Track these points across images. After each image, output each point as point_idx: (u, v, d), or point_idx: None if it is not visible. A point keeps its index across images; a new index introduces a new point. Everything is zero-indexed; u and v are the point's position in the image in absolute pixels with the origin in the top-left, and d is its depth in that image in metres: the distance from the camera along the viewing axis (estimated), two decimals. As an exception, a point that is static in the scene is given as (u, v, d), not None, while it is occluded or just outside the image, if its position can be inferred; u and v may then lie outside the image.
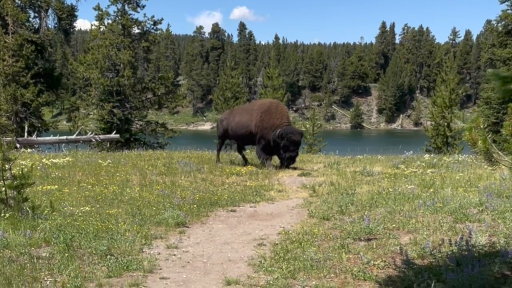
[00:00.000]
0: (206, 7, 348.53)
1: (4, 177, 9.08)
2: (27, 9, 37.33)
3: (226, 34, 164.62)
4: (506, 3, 32.98)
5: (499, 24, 33.60)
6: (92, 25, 37.80)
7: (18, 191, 9.01)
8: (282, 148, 15.49)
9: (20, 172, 9.08)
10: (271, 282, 5.92)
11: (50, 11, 38.81)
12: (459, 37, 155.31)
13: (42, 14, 37.98)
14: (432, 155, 19.85)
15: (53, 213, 9.05)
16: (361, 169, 14.51)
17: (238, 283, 6.02)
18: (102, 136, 30.33)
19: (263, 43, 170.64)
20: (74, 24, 41.94)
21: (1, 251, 7.13)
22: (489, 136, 4.01)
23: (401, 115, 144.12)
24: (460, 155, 20.78)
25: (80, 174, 14.23)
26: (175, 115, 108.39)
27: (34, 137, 27.15)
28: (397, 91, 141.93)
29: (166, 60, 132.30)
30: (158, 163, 16.39)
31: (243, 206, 10.55)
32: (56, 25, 39.93)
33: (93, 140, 29.40)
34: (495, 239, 7.05)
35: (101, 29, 36.94)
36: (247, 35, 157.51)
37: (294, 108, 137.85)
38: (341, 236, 7.71)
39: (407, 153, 19.05)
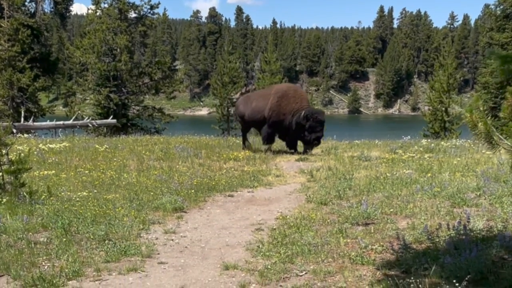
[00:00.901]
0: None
1: (1, 162, 9.07)
2: (23, -7, 37.06)
3: (224, 19, 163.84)
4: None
5: (498, 8, 33.54)
6: (88, 9, 37.58)
7: (15, 176, 9.00)
8: (307, 130, 15.20)
9: (17, 157, 9.07)
10: (269, 266, 5.92)
11: (46, -5, 38.57)
12: (457, 22, 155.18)
13: (38, -2, 37.76)
14: (429, 140, 19.86)
15: (51, 198, 9.05)
16: (359, 154, 14.52)
17: (236, 268, 6.02)
18: (99, 121, 30.30)
19: (260, 27, 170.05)
20: (70, 8, 41.80)
21: (-1, 236, 7.13)
22: (489, 119, 3.98)
23: (398, 100, 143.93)
24: (457, 140, 20.81)
25: (77, 159, 14.21)
26: (172, 100, 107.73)
27: (30, 122, 27.08)
28: (395, 76, 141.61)
29: (163, 45, 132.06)
30: (156, 148, 16.37)
31: (241, 191, 10.54)
32: (52, 9, 39.76)
33: (90, 125, 29.36)
34: (492, 223, 7.07)
35: (98, 13, 36.75)
36: (244, 20, 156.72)
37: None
38: (339, 221, 7.72)
39: (404, 138, 19.07)
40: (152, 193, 9.67)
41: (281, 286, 5.47)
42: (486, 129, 3.85)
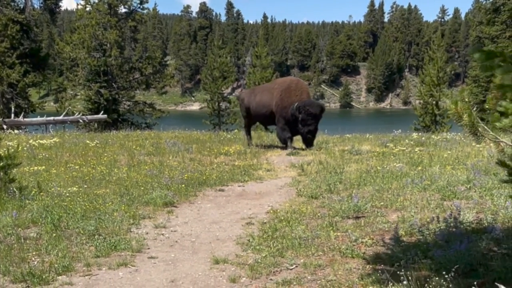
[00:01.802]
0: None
1: (-10, 158, 8.99)
2: (12, -11, 36.79)
3: (214, 13, 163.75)
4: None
5: (487, 2, 33.66)
6: (78, 4, 37.42)
7: (4, 172, 8.94)
8: (300, 123, 14.92)
9: (7, 153, 9.00)
10: (259, 260, 5.92)
11: (35, -10, 38.30)
12: (448, 15, 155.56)
13: (27, -7, 37.49)
14: (420, 134, 19.92)
15: (41, 194, 9.00)
16: (350, 148, 14.53)
17: (227, 262, 6.02)
18: (89, 117, 30.16)
19: (251, 22, 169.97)
20: (60, 3, 41.43)
21: (-12, 232, 7.08)
22: (475, 110, 3.99)
23: (390, 94, 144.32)
24: (448, 133, 20.89)
25: (68, 154, 14.14)
26: (163, 95, 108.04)
27: (20, 118, 26.90)
28: (386, 70, 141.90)
29: (153, 40, 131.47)
30: (146, 143, 16.32)
31: (232, 186, 10.53)
32: (41, 5, 39.42)
33: (81, 120, 29.22)
34: (482, 216, 7.09)
35: (87, 9, 36.53)
36: (235, 14, 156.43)
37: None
38: (329, 214, 7.73)
39: (395, 131, 19.11)
40: (142, 188, 9.64)
41: (271, 279, 5.47)
42: (471, 121, 3.85)
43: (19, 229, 7.23)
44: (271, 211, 8.17)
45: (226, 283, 5.45)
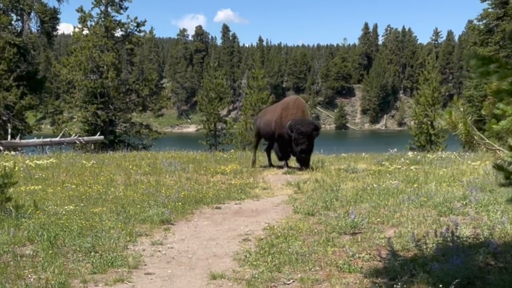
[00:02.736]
0: (190, 10, 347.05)
1: (-13, 177, 8.99)
2: (9, 12, 37.05)
3: (210, 37, 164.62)
4: (487, 1, 33.39)
5: (481, 23, 34.00)
6: (75, 27, 37.56)
7: (1, 191, 8.92)
8: (293, 141, 14.60)
9: (3, 172, 9.00)
10: (256, 275, 5.91)
11: (32, 14, 38.53)
12: (442, 38, 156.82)
13: (24, 17, 37.75)
14: (415, 153, 19.97)
15: (37, 212, 8.98)
16: (346, 167, 14.57)
17: (224, 277, 6.00)
18: (86, 138, 30.19)
19: (247, 45, 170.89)
20: (57, 27, 41.63)
21: (-16, 250, 7.05)
22: (470, 119, 4.04)
23: (385, 116, 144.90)
24: (443, 152, 20.95)
25: (64, 174, 14.14)
26: (160, 118, 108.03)
27: (17, 140, 26.92)
28: (381, 91, 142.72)
29: (150, 63, 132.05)
30: (143, 163, 16.33)
31: (228, 204, 10.54)
32: (38, 28, 39.62)
33: (77, 142, 29.24)
34: (479, 231, 7.11)
35: (84, 32, 36.76)
36: (230, 38, 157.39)
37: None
38: (326, 230, 7.73)
39: (391, 151, 19.17)
40: (139, 206, 9.63)
41: (268, 294, 5.46)
42: (466, 129, 3.89)
43: (16, 246, 7.20)
44: (268, 228, 8.17)
45: (224, 298, 5.44)
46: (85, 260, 6.67)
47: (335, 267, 6.13)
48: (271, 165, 16.55)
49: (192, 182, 12.93)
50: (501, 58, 2.79)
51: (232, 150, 19.40)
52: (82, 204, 9.98)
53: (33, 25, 38.84)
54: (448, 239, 6.41)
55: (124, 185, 12.32)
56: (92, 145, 31.72)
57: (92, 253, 6.85)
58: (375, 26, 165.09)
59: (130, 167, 15.44)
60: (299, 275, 5.92)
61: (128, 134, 37.45)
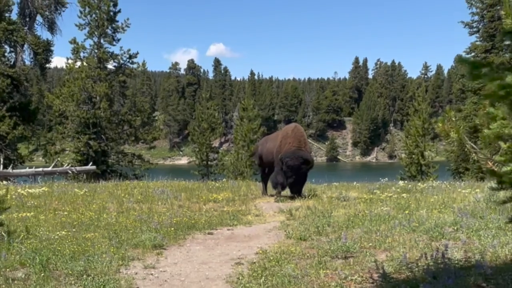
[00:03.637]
0: (183, 45, 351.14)
1: (-21, 203, 8.97)
2: (3, 44, 37.33)
3: (202, 70, 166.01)
4: (476, 35, 34.07)
5: (469, 56, 34.58)
6: (68, 58, 37.77)
7: (-8, 216, 8.91)
8: (285, 173, 14.62)
9: (-5, 197, 8.99)
10: (249, 297, 5.93)
11: (26, 46, 38.83)
12: (431, 72, 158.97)
13: (18, 49, 38.01)
14: (406, 182, 20.10)
15: (29, 236, 8.95)
16: (337, 195, 14.64)
17: (217, 299, 6.01)
18: (78, 168, 30.15)
19: (238, 79, 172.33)
20: (50, 59, 41.94)
21: (-24, 273, 7.02)
22: (462, 129, 4.13)
23: (375, 148, 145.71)
24: (434, 181, 21.08)
25: (56, 202, 14.10)
26: (152, 150, 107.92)
27: (9, 170, 26.83)
28: (371, 124, 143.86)
29: (142, 96, 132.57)
30: (135, 191, 16.32)
31: (221, 229, 10.55)
32: (32, 60, 39.89)
33: (70, 171, 29.17)
34: (470, 254, 7.15)
35: (77, 63, 37.01)
36: (222, 71, 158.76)
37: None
38: (319, 254, 7.75)
39: (382, 180, 19.27)
40: (131, 231, 9.63)
41: (261, 313, 5.47)
42: (459, 137, 3.99)
43: (7, 270, 7.17)
44: (260, 252, 8.18)
45: (217, 318, 5.44)
46: (77, 283, 6.64)
47: (328, 289, 6.14)
48: (266, 193, 16.50)
49: (184, 209, 12.94)
50: (492, 62, 2.90)
51: (224, 179, 19.43)
52: (74, 230, 9.95)
53: (26, 57, 39.18)
54: (439, 260, 6.46)
55: (116, 212, 12.31)
56: (84, 175, 31.64)
57: (84, 276, 6.82)
58: (365, 60, 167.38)
59: (123, 195, 15.43)
60: (291, 297, 5.93)
61: (120, 164, 37.43)
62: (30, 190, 16.53)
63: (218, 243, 9.28)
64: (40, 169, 28.20)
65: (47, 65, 42.83)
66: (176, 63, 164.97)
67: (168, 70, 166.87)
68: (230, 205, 13.78)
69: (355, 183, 18.87)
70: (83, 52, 36.92)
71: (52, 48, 40.20)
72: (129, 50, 37.63)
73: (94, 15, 36.73)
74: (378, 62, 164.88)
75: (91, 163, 32.34)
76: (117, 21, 37.50)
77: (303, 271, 6.82)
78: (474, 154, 4.05)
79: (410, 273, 6.46)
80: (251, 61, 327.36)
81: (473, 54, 33.96)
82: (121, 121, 37.45)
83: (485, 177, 22.79)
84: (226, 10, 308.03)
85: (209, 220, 11.27)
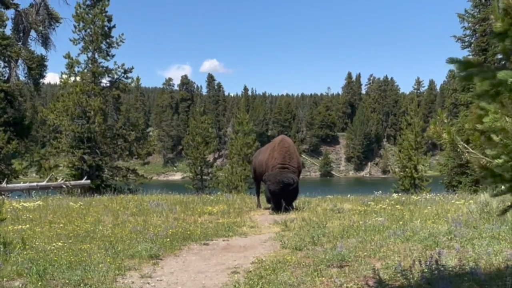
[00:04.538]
0: (176, 61, 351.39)
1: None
2: (-4, 59, 37.33)
3: (196, 86, 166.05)
4: (468, 49, 34.38)
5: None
6: (62, 73, 37.77)
7: (-12, 227, 8.93)
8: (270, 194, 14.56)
9: (-10, 209, 9.02)
10: (246, 303, 5.97)
11: (20, 61, 38.80)
12: (424, 87, 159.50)
13: (12, 64, 37.97)
14: (400, 194, 20.21)
15: (26, 247, 8.97)
16: (332, 207, 14.72)
17: (214, 306, 6.06)
18: (73, 182, 30.01)
19: (232, 94, 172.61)
20: (44, 74, 41.91)
21: (-27, 283, 7.04)
22: (454, 130, 4.23)
23: (369, 163, 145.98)
24: (427, 194, 21.19)
25: (52, 215, 14.10)
26: (146, 165, 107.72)
27: (3, 184, 26.71)
28: (365, 139, 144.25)
29: (136, 112, 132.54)
30: (130, 204, 16.33)
31: (216, 240, 10.60)
32: (26, 75, 39.85)
33: (64, 186, 29.06)
34: (464, 262, 7.23)
35: (72, 78, 37.02)
36: (216, 87, 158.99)
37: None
38: (314, 263, 7.81)
39: (376, 193, 19.37)
40: (127, 242, 9.67)
41: (258, 319, 5.52)
42: (451, 138, 4.08)
43: (4, 280, 7.19)
44: (256, 261, 8.24)
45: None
46: (74, 292, 6.69)
47: (324, 296, 6.20)
48: (260, 206, 16.54)
49: (179, 221, 12.97)
50: (483, 62, 3.00)
51: (219, 193, 19.46)
52: (70, 241, 9.99)
53: (20, 72, 39.09)
54: (433, 267, 6.53)
55: (112, 224, 12.33)
56: (79, 190, 31.54)
57: (81, 286, 6.87)
58: (358, 76, 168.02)
59: (118, 208, 15.44)
60: (288, 303, 5.99)
61: (115, 179, 37.34)
62: (25, 204, 16.53)
63: (214, 253, 9.33)
64: (34, 183, 28.08)
65: (41, 80, 42.73)
66: (170, 79, 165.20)
67: (161, 86, 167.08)
68: (225, 217, 13.83)
69: (349, 195, 18.95)
70: (78, 67, 36.94)
71: (46, 63, 40.14)
72: (123, 64, 37.66)
73: (88, 30, 36.78)
74: (371, 78, 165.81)
75: (85, 178, 32.26)
76: (112, 36, 37.55)
77: (299, 279, 6.89)
78: (466, 154, 4.14)
79: (405, 280, 6.53)
80: (245, 77, 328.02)
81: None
82: (116, 135, 37.44)
83: (478, 190, 22.92)
84: (219, 27, 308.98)
85: (204, 231, 11.31)
